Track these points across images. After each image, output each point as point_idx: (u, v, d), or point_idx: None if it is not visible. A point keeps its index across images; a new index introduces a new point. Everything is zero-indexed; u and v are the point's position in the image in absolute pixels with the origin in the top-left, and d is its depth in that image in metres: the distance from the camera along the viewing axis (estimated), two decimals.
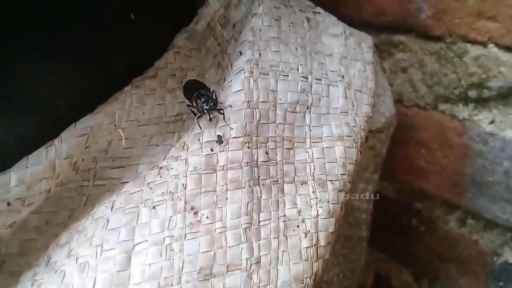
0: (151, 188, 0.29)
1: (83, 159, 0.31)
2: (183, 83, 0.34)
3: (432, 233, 0.62)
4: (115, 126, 0.31)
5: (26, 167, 0.28)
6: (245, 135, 0.30)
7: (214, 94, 0.31)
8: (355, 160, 0.34)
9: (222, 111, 0.30)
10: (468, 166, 0.54)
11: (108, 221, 0.28)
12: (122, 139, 0.31)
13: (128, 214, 0.28)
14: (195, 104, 0.31)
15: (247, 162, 0.30)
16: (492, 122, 0.49)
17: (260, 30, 0.34)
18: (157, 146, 0.34)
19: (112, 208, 0.28)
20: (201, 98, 0.30)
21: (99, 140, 0.31)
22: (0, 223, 0.27)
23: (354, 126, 0.35)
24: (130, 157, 0.33)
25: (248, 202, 0.29)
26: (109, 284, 0.26)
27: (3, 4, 0.24)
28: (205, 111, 0.30)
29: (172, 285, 0.27)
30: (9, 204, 0.27)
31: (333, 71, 0.36)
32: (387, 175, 0.62)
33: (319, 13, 0.41)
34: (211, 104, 0.30)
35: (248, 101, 0.31)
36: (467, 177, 0.54)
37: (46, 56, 0.28)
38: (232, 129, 0.30)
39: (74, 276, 0.26)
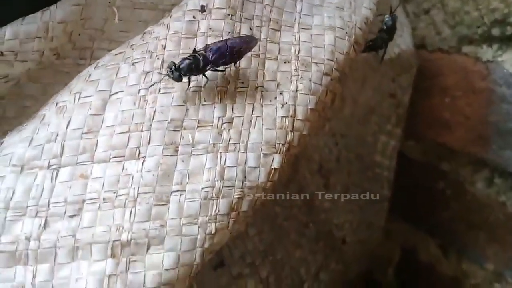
0: (133, 49, 0.30)
1: (79, 34, 0.33)
2: None
3: (459, 197, 0.59)
4: (109, 2, 0.33)
5: (22, 25, 0.30)
6: (228, 7, 0.31)
7: None
8: (346, 51, 0.34)
9: None
10: (492, 114, 0.51)
11: (90, 75, 0.29)
12: (116, 16, 0.33)
13: (109, 70, 0.29)
14: None
15: (228, 32, 0.31)
16: None
17: None
18: None
19: (95, 66, 0.30)
20: None
21: (94, 15, 0.33)
22: None
23: (348, 21, 0.35)
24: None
25: (226, 68, 0.30)
26: (83, 125, 0.27)
27: None
28: None
29: (142, 130, 0.27)
30: (2, 54, 0.29)
31: None
32: (411, 132, 0.60)
33: None
34: None
35: None
36: (491, 126, 0.51)
37: None
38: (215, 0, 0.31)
39: (52, 118, 0.28)
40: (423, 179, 0.63)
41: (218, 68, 0.29)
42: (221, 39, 0.30)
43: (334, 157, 0.53)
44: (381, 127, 0.57)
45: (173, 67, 0.27)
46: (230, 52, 0.29)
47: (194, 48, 0.29)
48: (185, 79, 0.28)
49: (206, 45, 0.29)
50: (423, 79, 0.55)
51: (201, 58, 0.28)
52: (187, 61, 0.27)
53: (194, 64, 0.28)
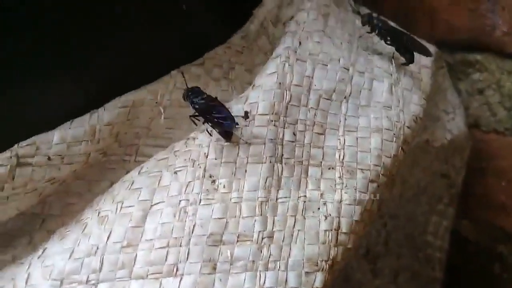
0: (176, 156, 0.30)
1: (125, 133, 0.33)
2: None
3: None
4: (156, 102, 0.33)
5: (69, 128, 0.31)
6: (272, 113, 0.31)
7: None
8: (393, 154, 0.33)
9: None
10: None
11: (133, 182, 0.29)
12: (162, 116, 0.33)
13: (152, 177, 0.29)
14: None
15: (271, 139, 0.30)
16: None
17: (304, 23, 0.35)
18: None
19: (139, 172, 0.30)
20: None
21: (140, 115, 0.33)
22: (40, 175, 0.30)
23: (396, 121, 0.34)
24: (172, 139, 0.35)
25: (267, 177, 0.29)
26: (123, 237, 0.27)
27: None
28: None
29: (181, 245, 0.27)
30: (49, 158, 0.30)
31: (379, 67, 0.36)
32: (465, 212, 0.57)
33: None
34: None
35: (280, 83, 0.32)
36: None
37: (109, 30, 0.31)
38: (259, 106, 0.31)
39: (94, 227, 0.28)
40: (477, 260, 0.60)
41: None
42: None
43: (382, 240, 0.51)
44: (432, 206, 0.54)
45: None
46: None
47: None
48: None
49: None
50: (478, 160, 0.52)
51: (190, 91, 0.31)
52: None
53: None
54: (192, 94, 0.31)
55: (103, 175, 0.34)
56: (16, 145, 0.29)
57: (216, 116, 0.29)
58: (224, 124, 0.29)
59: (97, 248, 0.27)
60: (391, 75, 0.36)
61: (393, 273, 0.52)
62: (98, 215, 0.29)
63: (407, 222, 0.53)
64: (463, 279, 0.59)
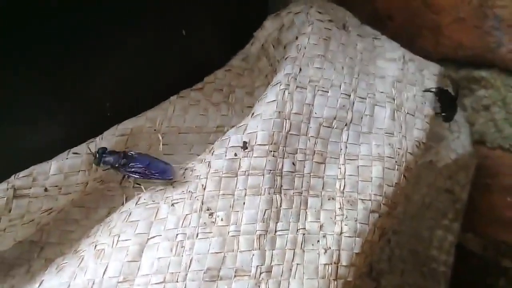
0: (173, 187, 0.30)
1: None
2: None
3: None
4: (155, 130, 0.33)
5: (67, 159, 0.30)
6: (271, 144, 0.30)
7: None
8: (395, 183, 0.32)
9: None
10: None
11: (130, 214, 0.29)
12: (160, 143, 0.33)
13: (149, 209, 0.29)
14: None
15: (270, 170, 0.30)
16: None
17: (305, 48, 0.34)
18: (198, 155, 0.35)
19: (136, 203, 0.30)
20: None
21: (139, 143, 0.33)
22: (37, 206, 0.29)
23: (399, 148, 0.33)
24: None
25: (266, 210, 0.29)
26: (119, 272, 0.27)
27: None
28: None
29: (177, 281, 0.27)
30: (46, 189, 0.30)
31: (382, 92, 0.35)
32: (470, 226, 0.57)
33: (379, 38, 0.40)
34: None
35: (279, 112, 0.31)
36: None
37: (103, 59, 0.31)
38: (258, 136, 0.30)
39: (90, 261, 0.28)
40: (482, 274, 0.59)
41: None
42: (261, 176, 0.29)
43: (386, 257, 0.50)
44: (437, 222, 0.54)
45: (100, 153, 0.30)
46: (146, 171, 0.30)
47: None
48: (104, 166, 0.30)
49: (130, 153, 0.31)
50: (483, 176, 0.52)
51: (123, 159, 0.30)
52: (110, 157, 0.30)
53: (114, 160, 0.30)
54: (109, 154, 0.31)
55: (101, 202, 0.34)
56: (12, 177, 0.29)
57: (155, 174, 0.30)
58: (167, 178, 0.30)
59: (93, 283, 0.27)
60: (394, 99, 0.35)
61: None
62: (94, 248, 0.28)
63: (411, 238, 0.52)
64: None
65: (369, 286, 0.49)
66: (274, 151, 0.30)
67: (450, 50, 0.49)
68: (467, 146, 0.47)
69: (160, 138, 0.33)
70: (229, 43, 0.39)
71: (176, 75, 0.35)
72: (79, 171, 0.31)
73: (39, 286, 0.28)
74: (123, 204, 0.33)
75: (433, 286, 0.54)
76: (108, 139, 0.32)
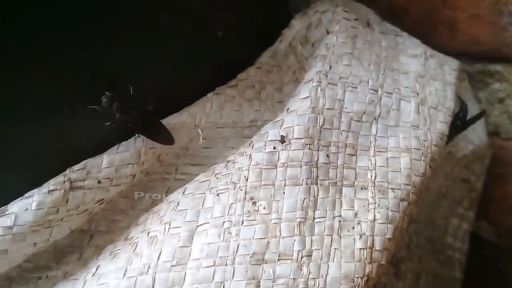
0: (217, 178, 0.32)
1: (166, 153, 0.35)
2: None
3: None
4: (195, 125, 0.35)
5: (117, 152, 0.33)
6: (307, 137, 0.32)
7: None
8: (422, 173, 0.34)
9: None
10: None
11: (178, 203, 0.31)
12: (200, 137, 0.35)
13: (196, 199, 0.31)
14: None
15: (307, 162, 0.32)
16: None
17: (334, 46, 0.36)
18: (233, 148, 0.37)
19: (183, 193, 0.32)
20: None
21: (180, 137, 0.35)
22: (90, 197, 0.32)
23: (424, 140, 0.35)
24: (208, 157, 0.37)
25: (305, 199, 0.31)
26: (172, 257, 0.29)
27: None
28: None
29: (226, 265, 0.29)
30: (99, 182, 0.32)
31: (406, 87, 0.37)
32: (485, 215, 0.59)
33: (401, 35, 0.42)
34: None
35: (313, 107, 0.33)
36: None
37: (151, 60, 0.33)
38: (294, 130, 0.32)
39: (144, 247, 0.30)
40: (496, 262, 0.61)
41: None
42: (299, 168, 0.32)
43: (405, 244, 0.53)
44: (453, 210, 0.56)
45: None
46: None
47: None
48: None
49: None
50: (498, 166, 0.54)
51: None
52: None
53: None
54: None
55: (145, 193, 0.36)
56: (68, 170, 0.31)
57: None
58: None
59: (149, 267, 0.29)
60: (418, 94, 0.37)
61: (416, 276, 0.53)
62: (147, 235, 0.31)
63: (428, 226, 0.54)
64: (482, 280, 0.60)
65: (389, 271, 0.51)
66: (309, 144, 0.32)
67: (466, 45, 0.51)
68: (483, 137, 0.49)
69: (200, 132, 0.35)
70: (260, 43, 0.41)
71: (212, 72, 0.38)
72: (128, 164, 0.33)
73: (96, 271, 0.31)
74: (166, 194, 0.35)
75: (448, 272, 0.56)
76: None
